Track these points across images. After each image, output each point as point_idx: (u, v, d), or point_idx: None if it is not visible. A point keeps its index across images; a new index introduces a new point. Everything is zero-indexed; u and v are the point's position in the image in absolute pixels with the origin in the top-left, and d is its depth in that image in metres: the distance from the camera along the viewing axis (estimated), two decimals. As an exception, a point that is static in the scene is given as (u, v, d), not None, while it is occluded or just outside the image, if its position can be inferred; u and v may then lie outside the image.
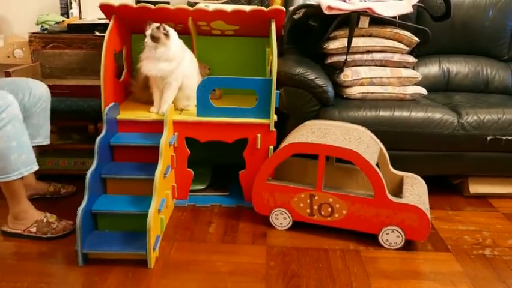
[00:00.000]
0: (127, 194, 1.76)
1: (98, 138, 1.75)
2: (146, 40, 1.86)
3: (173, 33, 1.90)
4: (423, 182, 1.93)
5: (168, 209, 1.90)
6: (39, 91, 1.87)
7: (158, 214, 1.67)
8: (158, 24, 1.85)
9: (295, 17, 2.26)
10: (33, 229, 1.74)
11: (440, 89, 2.55)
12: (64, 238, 1.75)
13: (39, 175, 2.05)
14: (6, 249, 1.69)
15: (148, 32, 1.85)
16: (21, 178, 1.69)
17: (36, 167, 1.71)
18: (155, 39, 1.84)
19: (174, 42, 1.89)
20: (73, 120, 2.18)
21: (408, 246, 1.75)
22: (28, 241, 1.73)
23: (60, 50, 2.30)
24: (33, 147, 1.88)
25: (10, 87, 1.80)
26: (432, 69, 2.58)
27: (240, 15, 1.94)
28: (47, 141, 1.96)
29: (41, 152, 2.07)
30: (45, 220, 1.76)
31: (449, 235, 1.87)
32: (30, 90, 1.84)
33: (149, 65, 1.90)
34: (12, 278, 1.51)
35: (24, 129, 1.68)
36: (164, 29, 1.85)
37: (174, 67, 1.90)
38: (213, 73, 2.23)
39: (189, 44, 2.14)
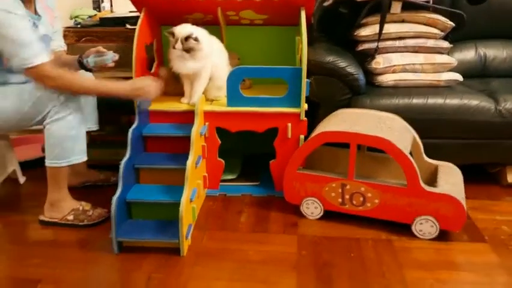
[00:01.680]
0: (159, 183, 1.79)
1: (130, 129, 1.79)
2: (179, 54, 1.85)
3: (200, 34, 1.87)
4: (458, 171, 1.88)
5: (200, 199, 1.93)
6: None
7: (190, 203, 1.70)
8: (185, 35, 1.82)
9: (325, 4, 2.23)
10: (71, 217, 1.79)
11: (477, 75, 2.46)
12: (99, 225, 1.81)
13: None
14: (45, 236, 1.76)
15: (178, 46, 1.83)
16: (68, 166, 1.75)
17: (85, 158, 1.79)
18: (189, 50, 1.84)
19: (204, 42, 1.87)
20: (107, 112, 2.23)
21: (443, 236, 1.71)
22: (65, 229, 1.79)
23: (93, 43, 2.34)
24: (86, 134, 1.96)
25: None
26: (468, 54, 2.50)
27: (269, 4, 1.93)
28: (96, 127, 2.06)
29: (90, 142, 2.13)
30: (81, 208, 1.82)
31: (486, 225, 1.82)
32: None
33: (180, 64, 1.90)
34: (52, 264, 1.57)
35: (83, 120, 1.76)
36: (195, 38, 1.83)
37: (204, 64, 1.91)
38: (242, 63, 2.23)
39: (219, 34, 2.14)
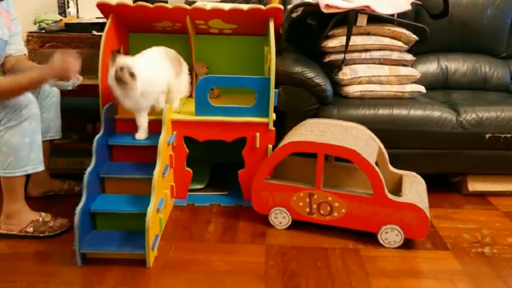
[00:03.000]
0: (125, 193, 1.76)
1: (96, 138, 1.75)
2: (110, 81, 1.71)
3: (138, 67, 1.70)
4: (422, 180, 1.93)
5: (167, 209, 1.90)
6: (49, 86, 1.91)
7: (157, 213, 1.67)
8: (121, 65, 1.67)
9: (293, 15, 2.25)
10: (30, 229, 1.73)
11: (439, 87, 2.55)
12: (60, 236, 1.75)
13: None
14: (2, 249, 1.68)
15: (112, 72, 1.68)
16: (24, 176, 1.69)
17: (42, 167, 1.73)
18: (120, 82, 1.68)
19: (142, 78, 1.71)
20: (71, 119, 2.18)
21: (408, 244, 1.74)
22: (25, 241, 1.72)
23: (57, 49, 2.29)
24: (47, 142, 1.92)
25: None
26: (431, 67, 2.58)
27: (238, 13, 1.94)
28: (58, 136, 2.01)
29: (52, 150, 2.06)
30: (41, 220, 1.75)
31: (448, 233, 1.87)
32: None
33: (122, 98, 1.77)
34: (11, 278, 1.51)
35: (39, 129, 1.70)
36: (129, 71, 1.67)
37: (142, 103, 1.80)
38: (211, 72, 2.22)
39: (187, 42, 2.13)
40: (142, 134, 1.86)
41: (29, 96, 1.66)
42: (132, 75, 1.68)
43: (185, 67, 2.02)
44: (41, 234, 1.73)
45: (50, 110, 1.94)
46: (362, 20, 2.11)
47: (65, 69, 1.64)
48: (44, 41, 2.29)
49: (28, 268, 1.57)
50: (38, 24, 2.40)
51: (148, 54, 1.85)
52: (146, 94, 1.78)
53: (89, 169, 1.67)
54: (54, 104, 1.95)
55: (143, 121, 1.85)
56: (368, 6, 2.10)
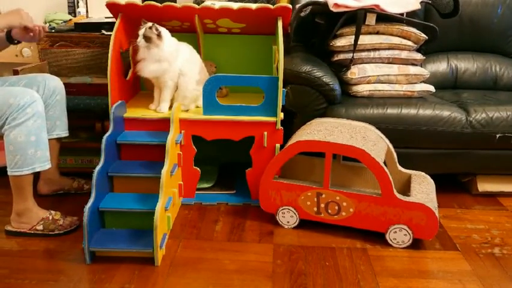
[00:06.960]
0: (133, 192, 1.76)
1: (105, 137, 1.76)
2: (138, 40, 1.86)
3: (165, 33, 1.91)
4: (431, 180, 1.92)
5: (175, 207, 1.91)
6: (54, 84, 1.93)
7: (165, 212, 1.67)
8: (150, 24, 1.85)
9: (301, 14, 2.25)
10: (40, 227, 1.74)
11: (448, 87, 2.53)
12: (70, 234, 1.77)
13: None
14: (12, 246, 1.70)
15: (141, 32, 1.85)
16: (32, 174, 1.70)
17: (49, 165, 1.74)
18: (147, 39, 1.85)
19: (167, 42, 1.90)
20: (80, 118, 2.20)
21: (416, 244, 1.73)
22: (35, 239, 1.73)
23: (67, 48, 2.31)
24: (54, 140, 1.93)
25: (25, 82, 1.86)
26: (441, 66, 2.56)
27: (246, 13, 1.94)
28: (65, 134, 2.01)
29: (61, 148, 2.08)
30: (50, 217, 1.77)
31: (458, 234, 1.86)
32: (44, 83, 1.90)
33: (141, 66, 1.92)
34: (21, 275, 1.52)
35: (44, 127, 1.71)
36: (157, 30, 1.86)
37: (165, 67, 1.91)
38: (219, 71, 2.23)
39: (195, 42, 2.14)
40: (153, 105, 2.00)
41: (33, 94, 1.67)
42: (159, 35, 1.86)
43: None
44: (50, 232, 1.75)
45: (55, 107, 1.94)
46: (371, 19, 2.10)
47: (14, 13, 1.70)
48: (54, 40, 2.31)
49: (38, 265, 1.58)
50: (48, 24, 2.43)
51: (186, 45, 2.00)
52: (167, 63, 1.90)
53: (97, 168, 1.68)
54: (59, 102, 1.95)
55: (157, 93, 1.98)
56: (377, 5, 2.09)
